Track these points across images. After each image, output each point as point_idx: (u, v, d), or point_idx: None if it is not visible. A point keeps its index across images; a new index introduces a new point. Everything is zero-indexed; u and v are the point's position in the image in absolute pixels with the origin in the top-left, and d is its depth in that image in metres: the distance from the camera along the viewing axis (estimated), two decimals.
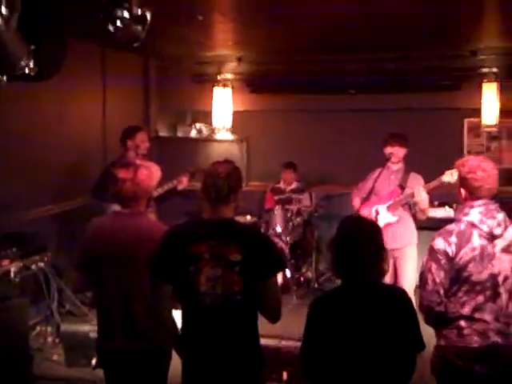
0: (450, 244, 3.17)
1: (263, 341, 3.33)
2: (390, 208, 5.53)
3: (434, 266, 3.18)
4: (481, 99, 7.55)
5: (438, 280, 3.16)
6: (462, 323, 3.19)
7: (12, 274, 5.00)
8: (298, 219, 7.64)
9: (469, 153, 8.09)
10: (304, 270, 7.81)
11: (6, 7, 2.92)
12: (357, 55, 7.71)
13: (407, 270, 5.51)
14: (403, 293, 2.98)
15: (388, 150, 5.54)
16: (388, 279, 5.45)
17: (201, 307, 2.96)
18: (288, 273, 7.19)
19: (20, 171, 5.82)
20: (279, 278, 6.63)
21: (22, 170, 5.85)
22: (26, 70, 3.23)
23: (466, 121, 8.21)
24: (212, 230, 2.97)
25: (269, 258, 2.98)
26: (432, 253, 3.21)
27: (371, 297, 2.82)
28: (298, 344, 3.05)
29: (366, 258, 2.81)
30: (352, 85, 8.11)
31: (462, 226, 3.22)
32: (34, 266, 5.45)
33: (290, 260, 7.26)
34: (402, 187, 5.53)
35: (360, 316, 2.78)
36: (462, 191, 3.33)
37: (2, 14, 2.91)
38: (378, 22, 5.78)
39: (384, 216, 5.52)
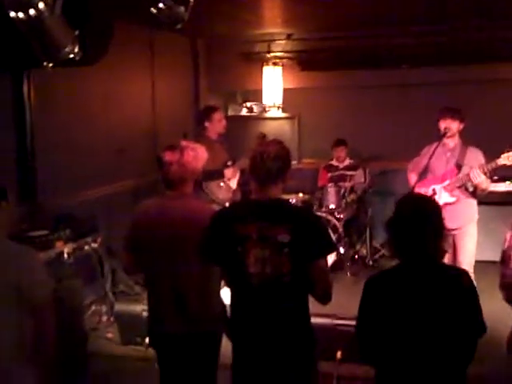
0: None
1: (317, 319, 3.30)
2: (447, 189, 5.36)
3: None
4: None
5: None
6: None
7: (66, 256, 5.09)
8: (352, 196, 7.59)
9: None
10: (358, 247, 7.76)
11: None
12: (410, 28, 7.51)
13: (467, 247, 5.36)
14: (464, 273, 2.86)
15: (441, 124, 5.34)
16: (447, 257, 5.34)
17: (250, 288, 2.94)
18: (342, 250, 7.13)
19: (70, 154, 5.91)
20: (333, 255, 6.56)
21: (73, 153, 5.94)
22: (71, 56, 3.25)
23: None
24: (260, 210, 2.94)
25: (318, 240, 2.93)
26: None
27: (430, 276, 2.72)
28: (352, 323, 3.00)
29: (426, 237, 2.71)
30: (405, 59, 7.93)
31: None
32: (87, 247, 5.54)
33: (343, 237, 7.19)
34: (459, 166, 5.34)
35: (418, 296, 2.69)
36: None
37: (45, 1, 2.92)
38: None
39: (441, 196, 5.33)
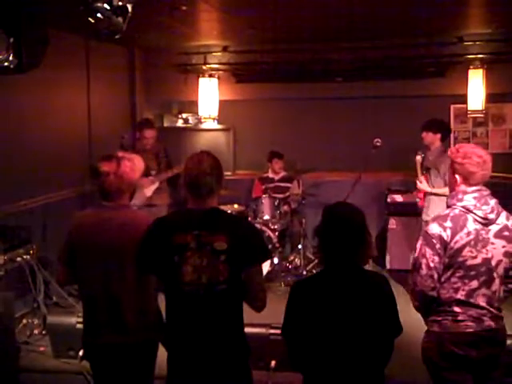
0: (445, 229, 3.18)
1: (251, 329, 3.32)
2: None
3: (428, 251, 3.19)
4: (467, 85, 7.57)
5: (432, 265, 3.18)
6: (457, 309, 3.21)
7: None
8: (286, 207, 7.66)
9: (455, 139, 8.14)
10: (292, 257, 7.81)
11: None
12: (343, 43, 7.71)
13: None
14: (382, 278, 3.01)
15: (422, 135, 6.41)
16: None
17: (185, 297, 2.96)
18: (276, 260, 7.20)
19: (3, 164, 5.78)
20: (267, 265, 6.64)
21: (6, 163, 5.82)
22: (6, 64, 3.21)
23: (452, 107, 8.24)
24: (197, 219, 2.97)
25: (254, 247, 2.99)
26: (427, 238, 3.22)
27: (352, 281, 2.85)
28: None
29: (349, 243, 2.83)
30: (338, 73, 8.10)
31: (457, 211, 3.23)
32: (19, 259, 5.44)
33: (278, 248, 7.26)
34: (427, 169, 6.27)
35: (338, 299, 2.81)
36: (457, 177, 3.32)
37: None
38: (363, 9, 5.77)
39: None
